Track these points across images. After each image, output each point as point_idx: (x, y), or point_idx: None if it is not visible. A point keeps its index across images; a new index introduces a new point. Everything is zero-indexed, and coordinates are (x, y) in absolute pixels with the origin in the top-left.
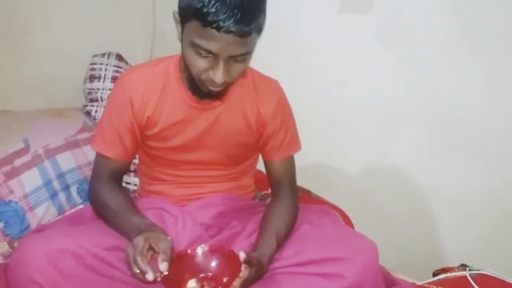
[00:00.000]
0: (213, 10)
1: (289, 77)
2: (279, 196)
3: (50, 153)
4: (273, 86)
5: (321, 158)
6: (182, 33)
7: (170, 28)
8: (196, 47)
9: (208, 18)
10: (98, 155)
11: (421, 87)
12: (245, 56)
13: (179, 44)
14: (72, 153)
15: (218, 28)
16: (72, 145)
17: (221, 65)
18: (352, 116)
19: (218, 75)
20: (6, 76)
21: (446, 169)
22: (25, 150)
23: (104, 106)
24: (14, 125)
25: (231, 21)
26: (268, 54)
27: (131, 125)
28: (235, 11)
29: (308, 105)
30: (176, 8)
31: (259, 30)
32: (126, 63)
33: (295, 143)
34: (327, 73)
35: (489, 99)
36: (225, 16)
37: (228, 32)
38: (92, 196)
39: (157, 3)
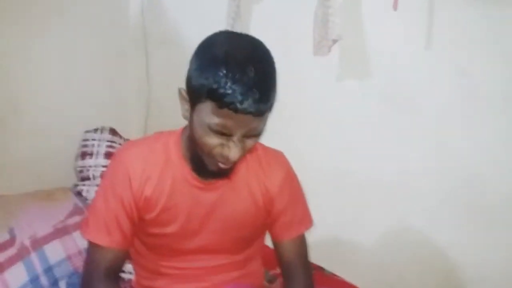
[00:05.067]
0: (229, 91)
1: (293, 146)
2: (291, 281)
3: (37, 243)
4: (278, 159)
5: (333, 230)
6: (191, 112)
7: (165, 100)
8: (210, 127)
9: (225, 100)
10: (91, 245)
11: (432, 152)
12: (260, 132)
13: (175, 116)
14: (61, 241)
15: (236, 110)
16: (61, 232)
17: (236, 142)
18: (363, 185)
19: (234, 152)
20: None
21: (471, 240)
22: (11, 242)
23: (98, 187)
24: None
25: (250, 101)
26: (271, 124)
27: (129, 207)
28: (254, 90)
29: (316, 175)
30: (174, 81)
31: (273, 106)
32: (120, 137)
33: (306, 219)
34: (333, 141)
35: (509, 159)
36: (243, 97)
37: (246, 113)
38: None
39: (151, 75)
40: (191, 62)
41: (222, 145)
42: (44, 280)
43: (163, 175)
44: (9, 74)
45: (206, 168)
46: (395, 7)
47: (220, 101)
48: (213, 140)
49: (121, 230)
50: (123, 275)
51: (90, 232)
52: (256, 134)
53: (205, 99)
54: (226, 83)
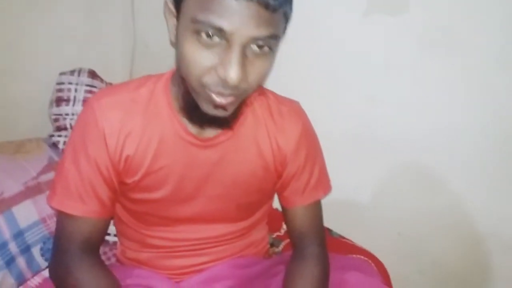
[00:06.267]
0: None
1: (305, 97)
2: (304, 254)
3: (5, 204)
4: (294, 110)
5: (347, 192)
6: (178, 27)
7: (152, 37)
8: (200, 27)
9: None
10: (62, 215)
11: (478, 106)
12: (270, 42)
13: (164, 57)
14: (34, 201)
15: None
16: (33, 190)
17: (235, 54)
18: (387, 140)
19: (233, 70)
20: None
21: (509, 209)
22: None
23: (65, 146)
24: None
25: None
26: (275, 70)
27: (106, 170)
28: None
29: (331, 128)
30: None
31: (287, 12)
32: (102, 80)
33: (323, 183)
34: (355, 89)
35: None
36: None
37: None
38: (56, 278)
39: (136, 8)
40: None
41: (216, 65)
42: (13, 247)
43: (148, 129)
44: None
45: (200, 111)
46: None
47: None
48: (204, 58)
49: (98, 197)
50: (107, 237)
51: (59, 200)
52: (267, 47)
53: None
54: None
